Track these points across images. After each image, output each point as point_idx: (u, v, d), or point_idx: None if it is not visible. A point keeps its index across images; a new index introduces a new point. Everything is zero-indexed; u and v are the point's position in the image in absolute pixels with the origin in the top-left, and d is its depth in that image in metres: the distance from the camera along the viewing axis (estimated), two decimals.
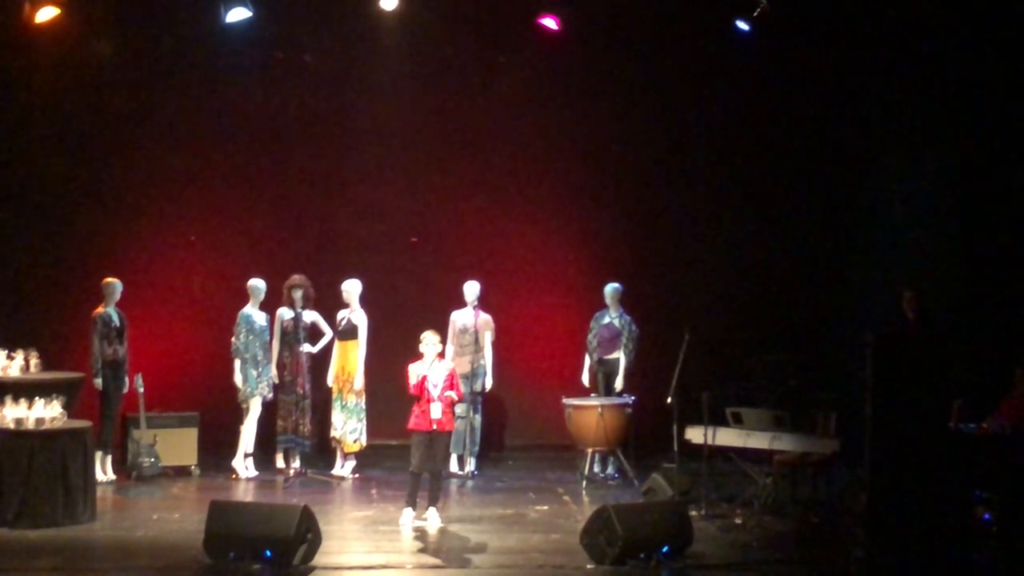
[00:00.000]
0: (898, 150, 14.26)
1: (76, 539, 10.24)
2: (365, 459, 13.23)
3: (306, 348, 13.02)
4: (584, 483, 12.77)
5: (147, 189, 14.22)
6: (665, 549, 9.57)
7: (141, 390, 12.68)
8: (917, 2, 13.71)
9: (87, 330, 12.55)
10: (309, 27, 14.21)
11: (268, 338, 13.01)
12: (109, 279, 12.67)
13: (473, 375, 13.10)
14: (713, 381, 11.55)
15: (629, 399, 12.92)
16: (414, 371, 10.74)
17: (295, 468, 12.99)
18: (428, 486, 10.86)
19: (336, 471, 13.06)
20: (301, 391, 12.98)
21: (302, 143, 14.52)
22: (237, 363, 12.87)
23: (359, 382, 12.93)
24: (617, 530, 9.40)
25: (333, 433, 13.05)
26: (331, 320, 13.15)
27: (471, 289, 13.28)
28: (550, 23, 13.95)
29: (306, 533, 9.43)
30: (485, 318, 13.32)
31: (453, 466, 13.06)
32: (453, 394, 10.79)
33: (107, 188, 14.14)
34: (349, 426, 12.95)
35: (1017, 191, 13.58)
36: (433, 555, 9.93)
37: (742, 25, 13.85)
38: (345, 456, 13.07)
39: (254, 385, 12.88)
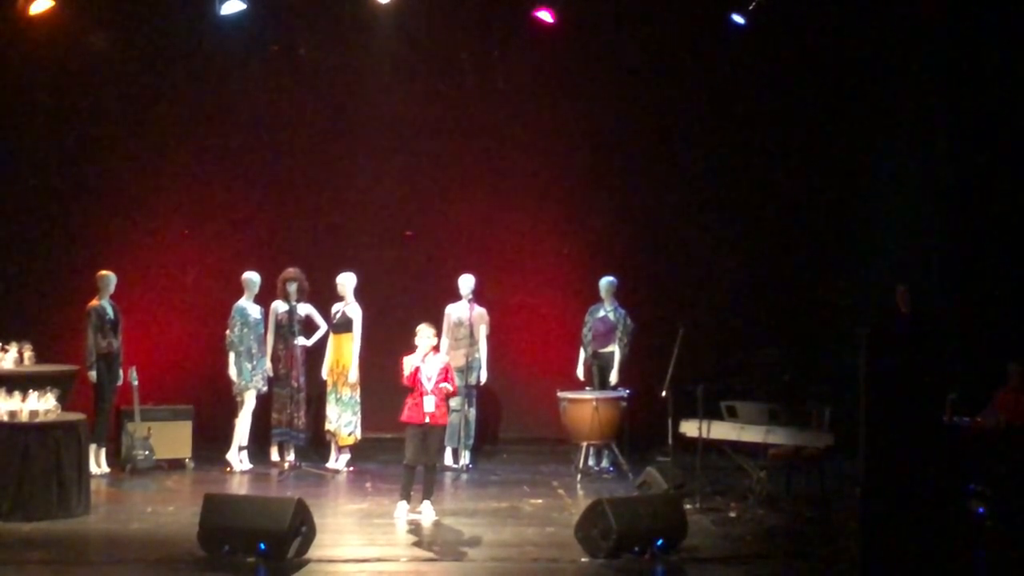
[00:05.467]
0: (892, 144, 14.26)
1: (70, 532, 10.23)
2: (359, 452, 13.23)
3: (301, 341, 13.02)
4: (579, 476, 12.79)
5: (141, 182, 14.21)
6: (659, 542, 9.58)
7: (135, 383, 12.67)
8: None
9: (81, 323, 12.54)
10: (304, 20, 14.18)
11: (263, 331, 13.00)
12: (103, 272, 12.66)
13: (468, 368, 13.10)
14: (708, 375, 11.56)
15: (624, 392, 12.94)
16: (408, 363, 10.75)
17: (289, 461, 13.00)
18: (422, 479, 10.86)
19: (330, 464, 13.06)
20: (296, 384, 12.98)
21: (297, 136, 14.51)
22: (231, 356, 12.86)
23: (354, 375, 12.93)
24: (611, 523, 9.41)
25: (328, 426, 13.05)
26: (326, 313, 13.15)
27: (466, 282, 13.29)
28: (546, 16, 13.93)
29: (300, 526, 9.42)
30: (480, 311, 13.32)
31: (447, 459, 13.07)
32: (447, 385, 10.78)
33: (101, 181, 14.13)
34: (344, 419, 12.95)
35: (1010, 185, 13.60)
36: (427, 548, 9.94)
37: (738, 18, 13.86)
38: (339, 449, 13.07)
39: (248, 378, 12.87)
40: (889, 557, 9.02)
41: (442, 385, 10.74)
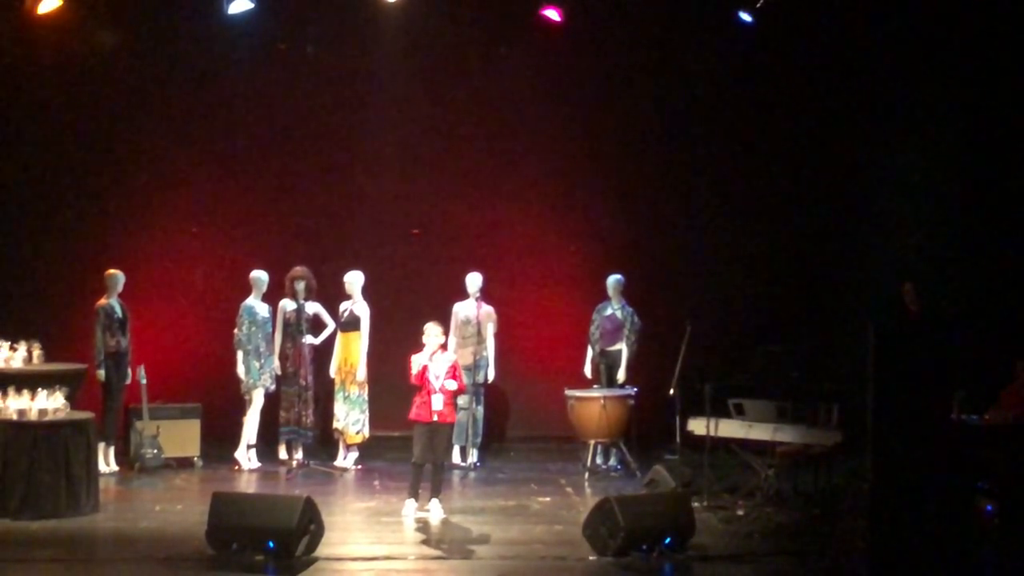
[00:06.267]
0: (899, 141, 14.24)
1: (79, 530, 10.26)
2: (367, 450, 13.24)
3: (308, 340, 13.03)
4: (586, 474, 12.80)
5: (149, 181, 14.22)
6: (667, 540, 9.58)
7: (144, 381, 12.69)
8: None
9: (90, 321, 12.55)
10: (311, 19, 14.17)
11: (270, 330, 13.02)
12: (111, 271, 12.68)
13: (475, 366, 13.11)
14: (715, 372, 11.55)
15: (631, 391, 12.93)
16: (416, 361, 10.76)
17: (298, 459, 13.01)
18: (430, 477, 10.87)
19: (338, 462, 13.07)
20: (303, 382, 12.99)
21: (304, 135, 14.51)
22: (239, 355, 12.87)
23: (361, 373, 12.94)
24: (619, 521, 9.41)
25: (335, 424, 13.07)
26: (333, 311, 13.16)
27: (473, 280, 13.29)
28: (552, 15, 13.92)
29: (309, 524, 9.44)
30: (487, 309, 13.33)
31: (455, 457, 13.07)
32: (452, 382, 10.76)
33: (109, 180, 14.14)
34: (351, 417, 12.96)
35: (1017, 182, 13.58)
36: (435, 546, 9.95)
37: (745, 16, 13.84)
38: (347, 447, 13.08)
39: (256, 376, 12.88)
40: (898, 554, 9.01)
41: (446, 382, 10.72)
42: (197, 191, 14.34)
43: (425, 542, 10.09)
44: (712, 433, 11.30)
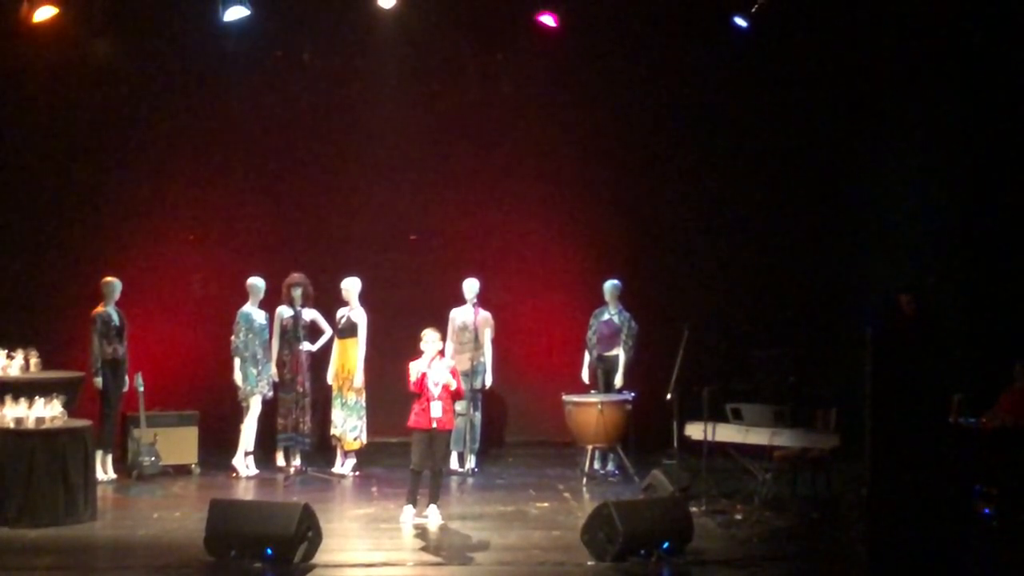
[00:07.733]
0: (897, 145, 14.26)
1: (77, 538, 10.24)
2: (365, 457, 13.23)
3: (306, 346, 13.02)
4: (584, 480, 12.79)
5: (146, 188, 14.23)
6: (665, 545, 9.58)
7: (141, 389, 12.68)
8: None
9: (87, 329, 12.54)
10: (307, 25, 14.19)
11: (268, 336, 13.01)
12: (108, 278, 12.67)
13: (473, 372, 13.10)
14: (713, 377, 11.55)
15: (629, 395, 12.93)
16: (414, 368, 10.74)
17: (295, 466, 12.99)
18: (428, 483, 10.87)
19: (336, 469, 13.07)
20: (301, 389, 12.99)
21: (300, 141, 14.52)
22: (237, 362, 12.87)
23: (359, 380, 12.94)
24: (617, 526, 9.41)
25: (333, 431, 13.06)
26: (331, 318, 13.16)
27: (470, 286, 13.29)
28: (548, 20, 13.93)
29: (307, 531, 9.43)
30: (485, 315, 13.33)
31: (453, 463, 13.06)
32: (451, 380, 10.71)
33: (106, 187, 14.15)
34: (349, 424, 12.96)
35: (1015, 184, 13.60)
36: (434, 553, 9.94)
37: (740, 21, 13.86)
38: (345, 454, 13.08)
39: (254, 383, 12.88)
40: (896, 558, 9.02)
41: (445, 376, 10.67)
42: (194, 198, 14.34)
43: (423, 548, 10.08)
44: (710, 437, 11.30)
